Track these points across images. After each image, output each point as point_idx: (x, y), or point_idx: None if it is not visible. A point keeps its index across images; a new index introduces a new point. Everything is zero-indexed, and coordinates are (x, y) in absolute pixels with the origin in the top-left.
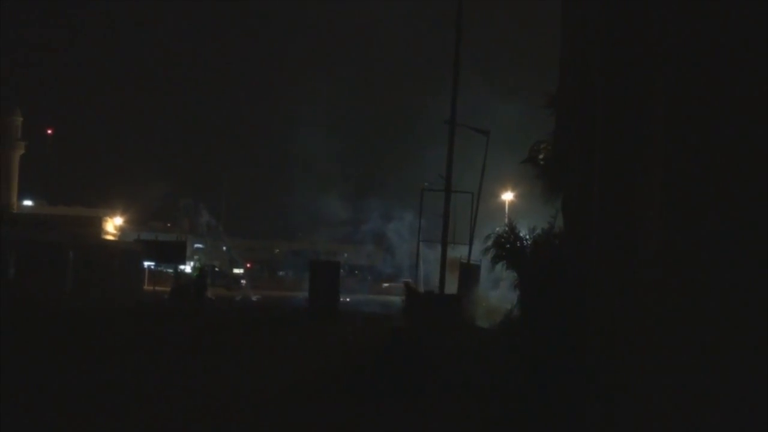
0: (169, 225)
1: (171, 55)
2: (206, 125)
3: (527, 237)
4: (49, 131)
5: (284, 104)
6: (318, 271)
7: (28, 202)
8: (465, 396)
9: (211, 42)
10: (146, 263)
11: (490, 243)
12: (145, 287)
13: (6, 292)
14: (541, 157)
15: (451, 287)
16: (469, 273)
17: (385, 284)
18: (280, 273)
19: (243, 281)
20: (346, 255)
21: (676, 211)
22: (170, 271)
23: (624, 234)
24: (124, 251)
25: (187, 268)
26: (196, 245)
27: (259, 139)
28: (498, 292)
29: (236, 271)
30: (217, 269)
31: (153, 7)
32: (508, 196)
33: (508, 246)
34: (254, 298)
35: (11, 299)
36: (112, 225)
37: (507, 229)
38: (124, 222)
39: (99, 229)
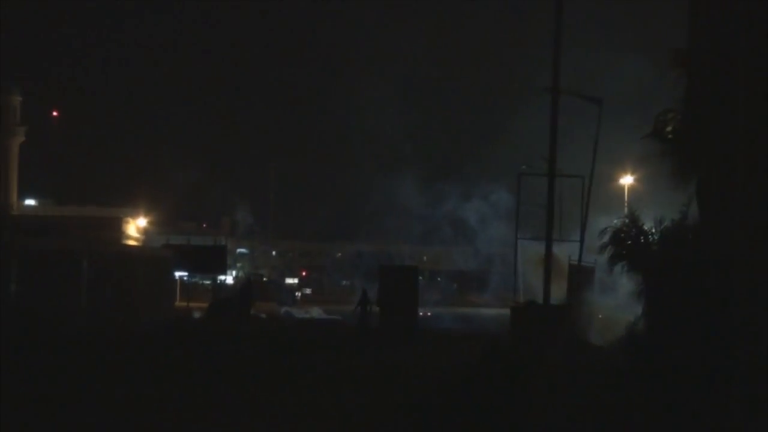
0: (204, 225)
1: (205, 20)
2: (249, 105)
3: (653, 231)
4: (55, 113)
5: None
6: (390, 278)
7: (30, 202)
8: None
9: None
10: (178, 273)
11: (606, 239)
12: (177, 303)
13: (6, 311)
14: (669, 129)
15: (557, 294)
16: (580, 277)
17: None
18: (344, 282)
19: (299, 294)
20: (425, 258)
21: None
22: (207, 282)
23: None
24: (151, 259)
25: (229, 278)
26: (239, 250)
27: (314, 121)
28: (617, 300)
29: (289, 281)
30: (265, 279)
31: None
32: (627, 180)
33: (629, 242)
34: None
35: (13, 319)
36: (135, 227)
37: (627, 221)
38: (149, 223)
39: (119, 232)
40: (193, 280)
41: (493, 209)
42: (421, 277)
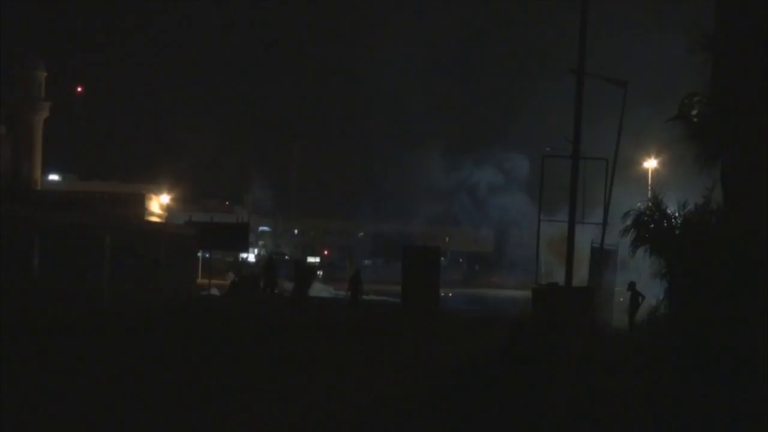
0: (227, 203)
1: None
2: (275, 82)
3: (676, 214)
4: (79, 89)
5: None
6: (413, 260)
7: (54, 177)
8: (591, 418)
9: None
10: (200, 251)
11: (629, 222)
12: (199, 280)
13: (28, 287)
14: (694, 113)
15: (579, 278)
16: (602, 260)
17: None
18: (366, 262)
19: (320, 273)
20: (447, 239)
21: None
22: (229, 260)
23: None
24: (173, 236)
25: (251, 256)
26: (262, 228)
27: (339, 97)
28: (639, 284)
29: (311, 259)
30: (287, 257)
31: None
32: (651, 164)
33: (651, 226)
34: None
35: (35, 294)
36: (158, 204)
37: (650, 204)
38: (172, 200)
39: (142, 208)
40: (216, 257)
41: (511, 184)
42: (442, 258)
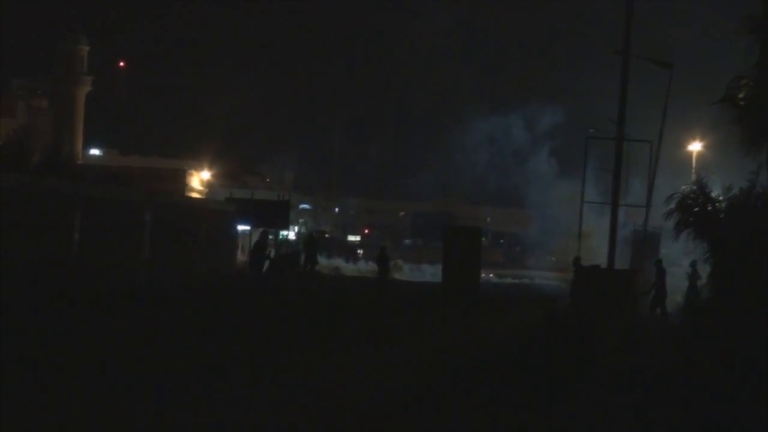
0: (267, 180)
1: None
2: (312, 52)
3: (720, 198)
4: (121, 64)
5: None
6: (454, 240)
7: (95, 151)
8: (632, 397)
9: None
10: (241, 227)
11: (672, 205)
12: (239, 257)
13: (67, 263)
14: (741, 96)
15: (622, 261)
16: (645, 243)
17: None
18: (406, 241)
19: (360, 251)
20: (489, 220)
21: None
22: (270, 237)
23: None
24: (214, 212)
25: (291, 234)
26: (302, 206)
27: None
28: (683, 267)
29: (351, 238)
30: (327, 236)
31: None
32: (695, 147)
33: (696, 209)
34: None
35: (76, 269)
36: (199, 180)
37: (695, 188)
38: (213, 176)
39: (182, 184)
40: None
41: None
42: (484, 239)
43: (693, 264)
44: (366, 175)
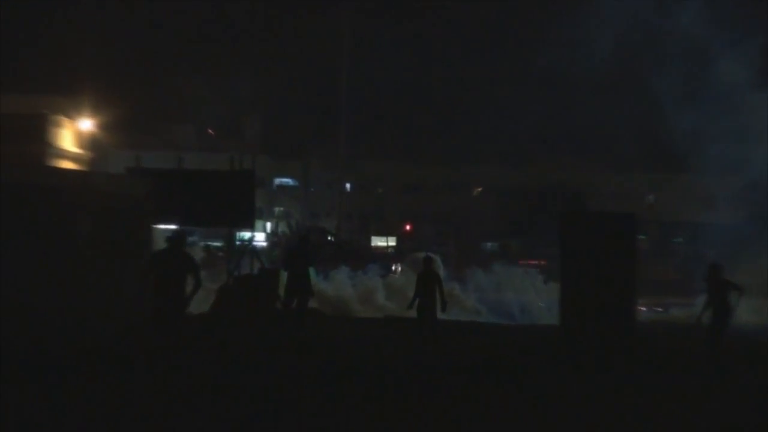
0: (210, 131)
1: None
2: None
3: None
4: None
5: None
6: (578, 238)
7: None
8: None
9: None
10: (161, 226)
11: None
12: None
13: None
14: None
15: None
16: None
17: None
18: (488, 245)
19: (396, 267)
20: (652, 199)
21: None
22: (217, 245)
23: None
24: (109, 199)
25: (260, 236)
26: (281, 181)
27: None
28: None
29: (379, 242)
30: (331, 238)
31: None
32: None
33: None
34: None
35: None
36: (72, 134)
37: None
38: (100, 127)
39: (41, 142)
40: (192, 240)
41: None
42: (642, 236)
43: (426, 260)
44: (396, 127)
